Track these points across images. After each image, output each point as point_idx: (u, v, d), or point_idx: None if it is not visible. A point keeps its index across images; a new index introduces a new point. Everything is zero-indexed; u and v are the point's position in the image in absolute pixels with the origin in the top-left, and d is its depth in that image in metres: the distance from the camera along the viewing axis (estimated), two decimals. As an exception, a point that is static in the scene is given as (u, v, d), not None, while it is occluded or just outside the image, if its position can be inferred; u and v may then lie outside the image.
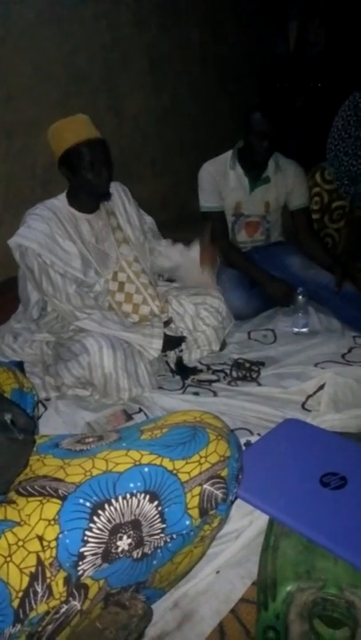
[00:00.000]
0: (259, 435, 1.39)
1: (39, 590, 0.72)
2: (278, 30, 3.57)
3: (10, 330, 1.98)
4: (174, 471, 0.81)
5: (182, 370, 1.81)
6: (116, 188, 1.82)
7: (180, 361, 1.83)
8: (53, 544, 0.74)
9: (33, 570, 0.72)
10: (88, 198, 1.71)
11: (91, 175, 1.62)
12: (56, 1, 2.72)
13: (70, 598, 0.75)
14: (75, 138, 1.59)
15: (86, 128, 1.62)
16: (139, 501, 0.78)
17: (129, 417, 1.57)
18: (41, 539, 0.74)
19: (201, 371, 1.83)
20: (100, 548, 0.76)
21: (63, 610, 0.75)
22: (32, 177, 2.71)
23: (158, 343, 1.71)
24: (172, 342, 1.80)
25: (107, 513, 0.77)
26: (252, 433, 1.46)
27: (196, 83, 3.97)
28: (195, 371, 1.82)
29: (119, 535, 0.77)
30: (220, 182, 2.21)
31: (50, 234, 1.62)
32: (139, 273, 1.82)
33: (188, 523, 0.82)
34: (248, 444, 1.35)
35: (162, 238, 2.01)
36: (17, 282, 1.81)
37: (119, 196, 1.83)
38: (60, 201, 1.71)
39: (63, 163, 1.63)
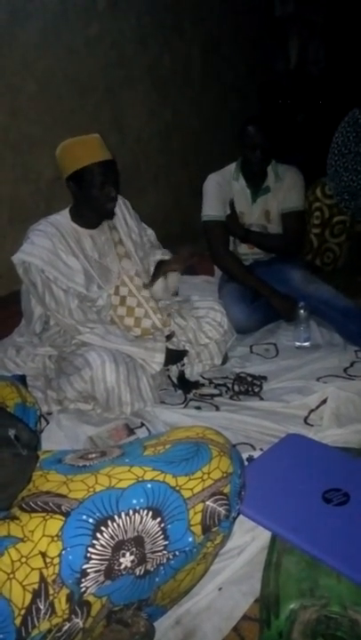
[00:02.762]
0: (261, 450, 1.39)
1: (42, 607, 0.72)
2: (279, 48, 3.62)
3: (12, 343, 1.99)
4: (177, 487, 0.81)
5: (184, 384, 1.81)
6: (117, 202, 1.84)
7: (182, 375, 1.83)
8: (56, 561, 0.74)
9: (36, 587, 0.72)
10: (92, 215, 1.73)
11: (100, 195, 1.64)
12: (61, 19, 2.78)
13: (73, 616, 0.75)
14: (90, 158, 1.60)
15: (101, 149, 1.64)
16: (142, 518, 0.78)
17: (131, 431, 1.57)
18: (44, 555, 0.74)
19: (203, 385, 1.83)
20: (102, 564, 0.76)
21: (66, 628, 0.74)
22: (36, 192, 2.73)
23: (161, 357, 1.72)
24: (174, 356, 1.80)
25: (110, 529, 0.76)
26: (254, 448, 1.46)
27: (197, 99, 4.02)
28: (197, 385, 1.82)
29: (122, 552, 0.77)
30: (226, 191, 2.24)
31: (53, 250, 1.64)
32: (140, 287, 1.83)
33: (190, 539, 0.82)
34: (250, 459, 1.34)
35: (161, 248, 2.02)
36: (19, 296, 1.82)
37: (120, 209, 1.85)
38: (63, 217, 1.73)
39: (72, 179, 1.64)
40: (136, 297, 1.81)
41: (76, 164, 1.61)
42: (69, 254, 1.67)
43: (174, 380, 1.83)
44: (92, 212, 1.72)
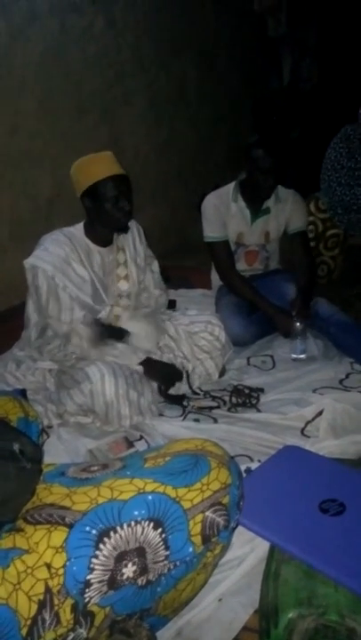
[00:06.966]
0: (259, 461, 1.41)
1: (47, 618, 0.73)
2: (273, 67, 3.71)
3: (12, 357, 2.01)
4: (177, 499, 0.83)
5: (171, 397, 1.81)
6: (130, 225, 1.86)
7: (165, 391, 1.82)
8: (61, 571, 0.76)
9: (41, 597, 0.74)
10: (104, 231, 1.77)
11: (113, 209, 1.67)
12: (60, 39, 2.84)
13: (77, 626, 0.76)
14: (103, 173, 1.64)
15: (114, 164, 1.69)
16: (143, 529, 0.80)
17: (130, 444, 1.58)
18: (49, 566, 0.76)
19: (186, 396, 1.82)
20: (105, 575, 0.77)
21: (70, 638, 0.76)
22: (35, 208, 2.77)
23: (141, 354, 1.76)
24: (171, 377, 1.81)
25: (112, 540, 0.78)
26: (252, 459, 1.48)
27: (193, 116, 4.09)
28: (183, 397, 1.82)
29: (124, 562, 0.79)
30: (224, 213, 2.26)
31: (65, 258, 1.68)
32: (128, 308, 1.86)
33: (190, 550, 0.83)
34: (248, 470, 1.36)
35: (162, 285, 2.04)
36: (19, 311, 1.84)
37: (132, 232, 1.88)
38: (77, 230, 1.77)
39: (87, 195, 1.68)
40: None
41: (90, 179, 1.65)
42: (80, 264, 1.71)
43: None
44: (105, 228, 1.75)
